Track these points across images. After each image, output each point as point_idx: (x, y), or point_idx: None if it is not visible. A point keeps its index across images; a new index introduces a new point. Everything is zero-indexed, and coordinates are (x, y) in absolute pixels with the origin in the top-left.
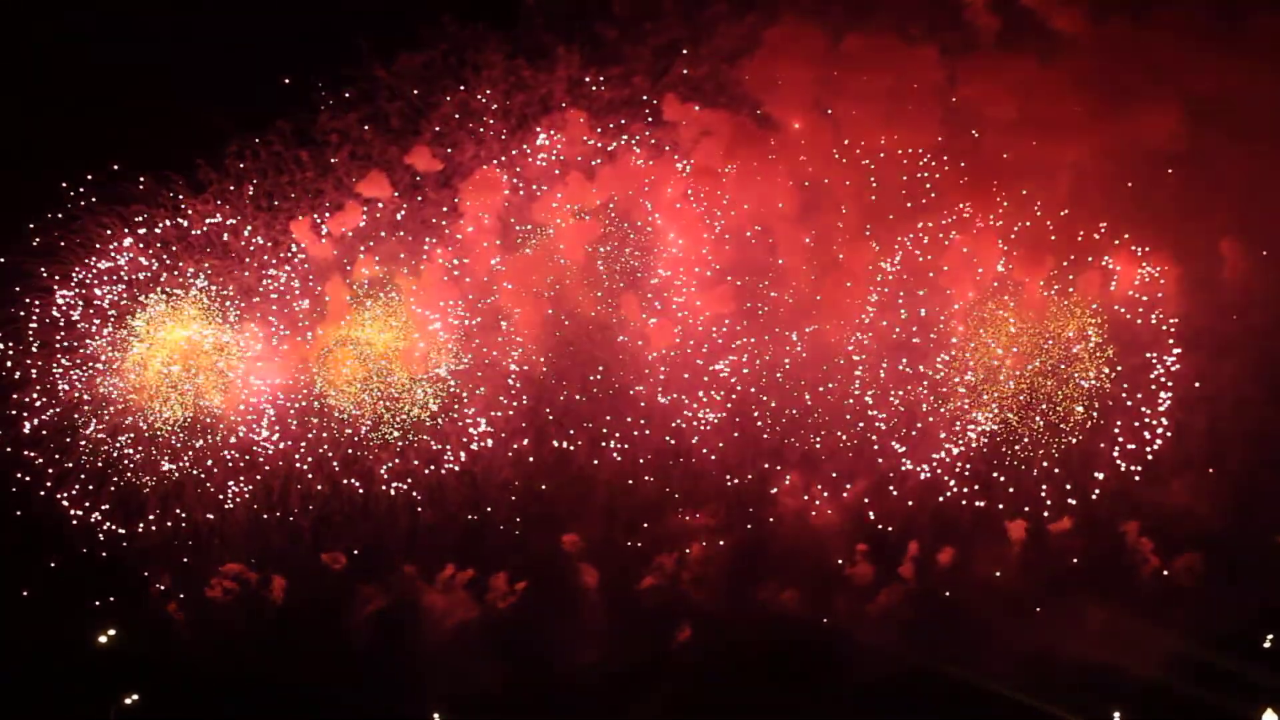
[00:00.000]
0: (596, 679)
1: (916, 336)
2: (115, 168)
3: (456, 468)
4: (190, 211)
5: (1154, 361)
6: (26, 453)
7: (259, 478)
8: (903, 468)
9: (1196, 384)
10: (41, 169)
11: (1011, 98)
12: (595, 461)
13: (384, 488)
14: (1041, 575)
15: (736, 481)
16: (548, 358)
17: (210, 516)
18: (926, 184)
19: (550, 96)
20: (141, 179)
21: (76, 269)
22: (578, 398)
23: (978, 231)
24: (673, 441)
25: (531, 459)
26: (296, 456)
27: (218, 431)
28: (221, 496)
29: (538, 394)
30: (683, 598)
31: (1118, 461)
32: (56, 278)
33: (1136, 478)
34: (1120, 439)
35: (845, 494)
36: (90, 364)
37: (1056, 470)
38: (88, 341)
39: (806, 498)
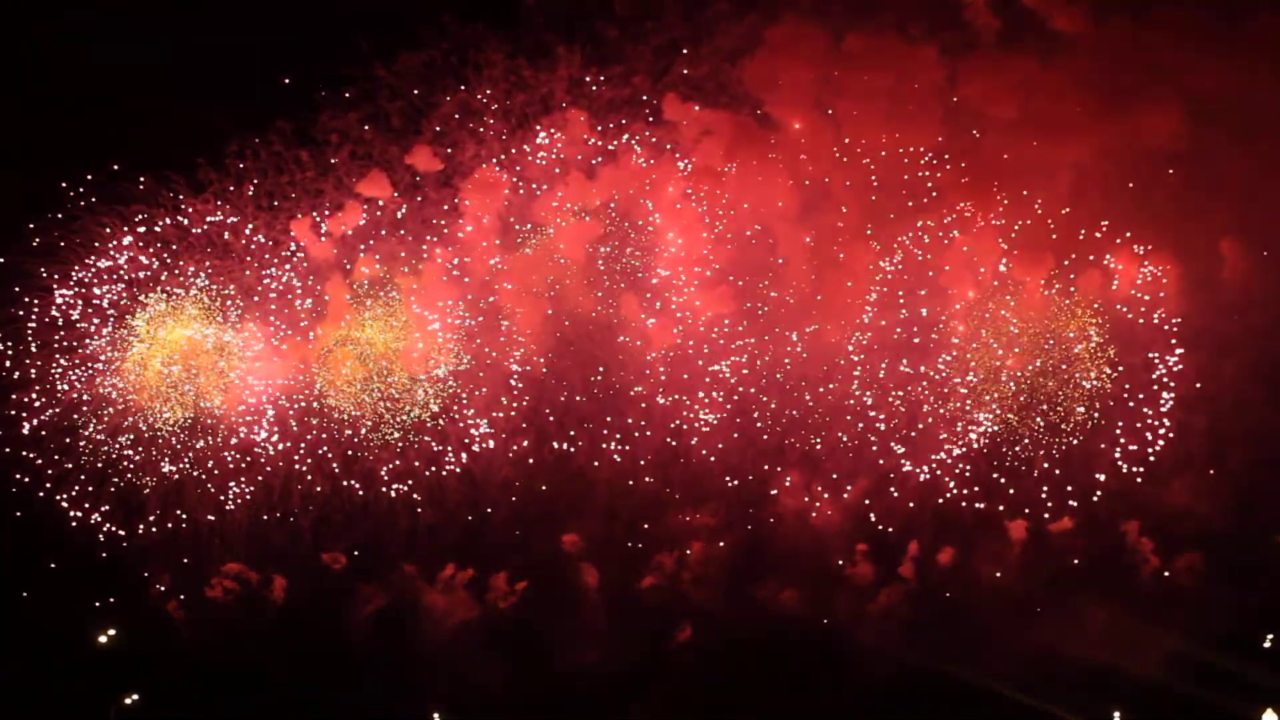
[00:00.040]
0: (596, 679)
1: (917, 336)
2: (115, 168)
3: (458, 469)
4: (190, 211)
5: (1155, 361)
6: (26, 453)
7: (259, 478)
8: (903, 468)
9: (1198, 384)
10: (41, 169)
11: (1012, 97)
12: (595, 462)
13: (384, 489)
14: (1042, 575)
15: (736, 482)
16: (548, 358)
17: (211, 518)
18: (927, 183)
19: (551, 96)
20: (141, 179)
21: (76, 269)
22: (578, 398)
23: (978, 231)
24: (673, 442)
25: (531, 459)
26: (296, 457)
27: (218, 432)
28: (222, 497)
29: (538, 394)
30: (683, 597)
31: (1119, 462)
32: (56, 277)
33: (1139, 479)
34: (1121, 439)
35: (845, 494)
36: (90, 364)
37: (1057, 471)
38: (88, 341)
39: (807, 498)
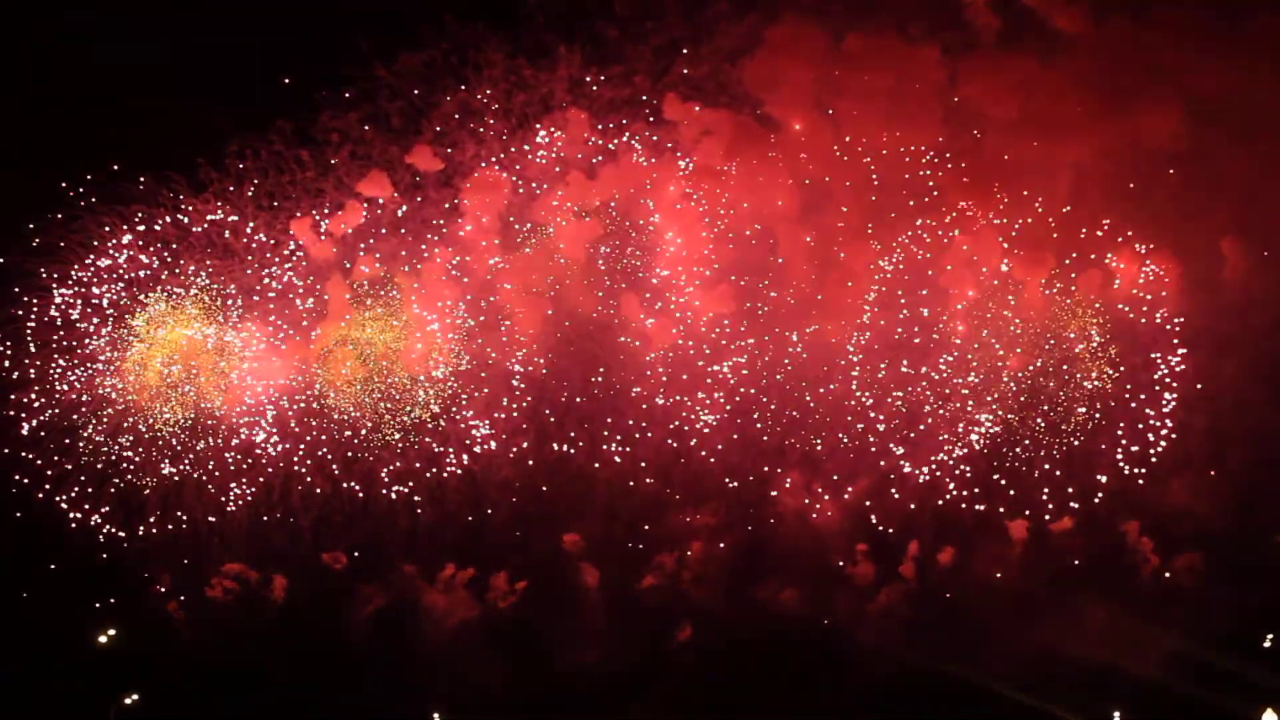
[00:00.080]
0: (596, 679)
1: (917, 336)
2: (115, 168)
3: (459, 470)
4: (191, 210)
5: (1156, 361)
6: (26, 454)
7: (260, 479)
8: (903, 468)
9: (1198, 384)
10: (41, 169)
11: (1012, 97)
12: (596, 462)
13: (385, 490)
14: (1042, 575)
15: (737, 482)
16: (548, 358)
17: (211, 518)
18: (927, 183)
19: (551, 96)
20: (141, 179)
21: (76, 268)
22: (578, 398)
23: (979, 231)
24: (673, 442)
25: (532, 459)
26: (296, 457)
27: (218, 432)
28: (222, 497)
29: (538, 394)
30: (683, 597)
31: (1119, 462)
32: (56, 277)
33: (1139, 479)
34: (1122, 439)
35: (846, 494)
36: (90, 364)
37: (1058, 471)
38: (87, 341)
39: (807, 498)
